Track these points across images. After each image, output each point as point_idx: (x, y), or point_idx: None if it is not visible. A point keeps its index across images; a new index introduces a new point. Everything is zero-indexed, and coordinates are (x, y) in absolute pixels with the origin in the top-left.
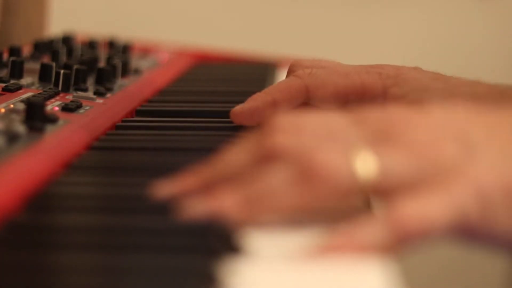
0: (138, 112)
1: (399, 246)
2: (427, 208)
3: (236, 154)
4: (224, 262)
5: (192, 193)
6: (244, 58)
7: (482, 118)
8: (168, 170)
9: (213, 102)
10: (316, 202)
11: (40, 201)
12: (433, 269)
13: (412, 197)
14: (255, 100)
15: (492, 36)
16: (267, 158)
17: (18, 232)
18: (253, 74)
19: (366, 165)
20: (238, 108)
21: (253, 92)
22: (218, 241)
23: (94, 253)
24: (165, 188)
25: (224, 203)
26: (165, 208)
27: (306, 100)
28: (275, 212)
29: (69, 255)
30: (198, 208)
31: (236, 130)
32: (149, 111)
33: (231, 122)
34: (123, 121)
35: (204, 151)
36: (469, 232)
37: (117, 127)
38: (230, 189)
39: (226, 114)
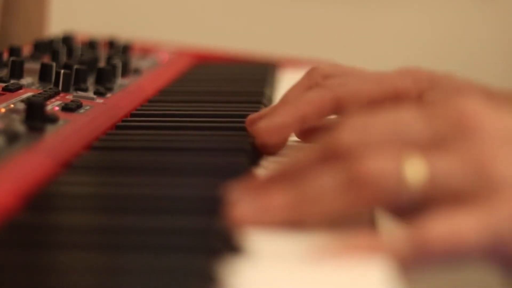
0: (133, 116)
1: (422, 261)
2: (458, 226)
3: (304, 154)
4: (224, 262)
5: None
6: (244, 58)
7: None
8: (168, 170)
9: (213, 102)
10: (362, 207)
11: (40, 201)
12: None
13: (447, 211)
14: (283, 115)
15: (492, 36)
16: (329, 157)
17: (18, 232)
18: (253, 74)
19: (416, 171)
20: (263, 125)
21: (253, 92)
22: (218, 241)
23: (94, 253)
24: (235, 191)
25: (272, 202)
26: (165, 208)
27: (337, 111)
28: (319, 215)
29: (69, 255)
30: (245, 205)
31: (236, 130)
32: (144, 114)
33: (231, 122)
34: (123, 121)
35: (204, 151)
36: (504, 257)
37: (117, 127)
38: (282, 188)
39: (226, 114)
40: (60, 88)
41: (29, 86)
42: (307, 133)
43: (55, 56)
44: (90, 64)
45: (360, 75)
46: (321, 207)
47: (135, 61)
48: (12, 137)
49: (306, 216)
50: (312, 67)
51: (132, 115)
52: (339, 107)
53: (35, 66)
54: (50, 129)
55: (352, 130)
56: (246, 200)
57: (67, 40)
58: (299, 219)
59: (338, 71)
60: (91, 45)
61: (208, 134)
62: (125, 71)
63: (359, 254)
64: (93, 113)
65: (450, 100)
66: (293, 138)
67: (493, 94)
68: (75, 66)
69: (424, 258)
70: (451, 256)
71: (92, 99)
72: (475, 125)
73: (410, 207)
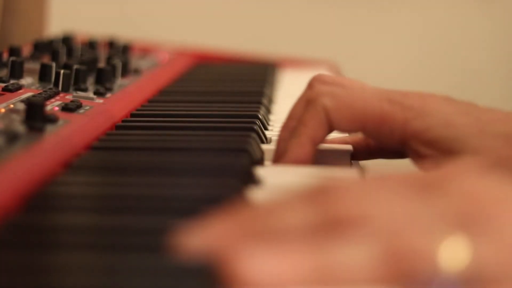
0: (133, 116)
1: None
2: None
3: (290, 211)
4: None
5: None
6: (244, 58)
7: None
8: (168, 170)
9: (213, 102)
10: (393, 284)
11: (40, 201)
12: None
13: None
14: (292, 147)
15: (492, 36)
16: (338, 223)
17: (18, 232)
18: (253, 74)
19: (457, 253)
20: (283, 162)
21: (253, 92)
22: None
23: (94, 253)
24: (192, 237)
25: (287, 265)
26: (165, 208)
27: (329, 121)
28: (345, 285)
29: (68, 255)
30: (260, 264)
31: (236, 130)
32: (144, 115)
33: (231, 122)
34: (123, 121)
35: (204, 151)
36: None
37: (117, 127)
38: (294, 250)
39: (226, 114)
40: (60, 88)
41: (29, 86)
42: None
43: (55, 56)
44: (90, 64)
45: (354, 89)
46: (347, 276)
47: (135, 61)
48: (12, 137)
49: (329, 284)
50: (314, 76)
51: (132, 115)
52: (329, 118)
53: (35, 66)
54: (50, 129)
55: (360, 199)
56: (258, 255)
57: (67, 40)
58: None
59: (337, 81)
60: (91, 45)
61: (208, 134)
62: (125, 71)
63: None
64: (93, 113)
65: (453, 185)
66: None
67: (484, 120)
68: (75, 66)
69: None
70: None
71: (92, 99)
72: (493, 203)
73: None
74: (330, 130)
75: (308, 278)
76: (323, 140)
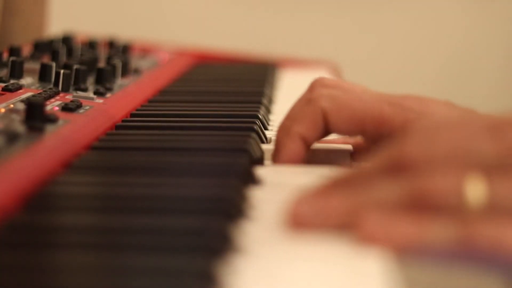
0: (132, 116)
1: (462, 257)
2: (508, 237)
3: (368, 164)
4: (224, 262)
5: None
6: (244, 58)
7: None
8: (168, 170)
9: (213, 102)
10: (418, 224)
11: (40, 201)
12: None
13: (501, 223)
14: (284, 144)
15: (495, 39)
16: (393, 168)
17: (18, 232)
18: (253, 74)
19: (477, 192)
20: (277, 160)
21: (253, 92)
22: (218, 241)
23: (94, 253)
24: (305, 204)
25: (330, 205)
26: (165, 208)
27: (326, 123)
28: (376, 224)
29: (68, 255)
30: (304, 205)
31: (236, 130)
32: (144, 115)
33: (231, 122)
34: (123, 121)
35: (204, 151)
36: None
37: (117, 127)
38: (342, 194)
39: (226, 114)
40: (60, 88)
41: (29, 86)
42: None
43: (55, 56)
44: (90, 64)
45: (354, 91)
46: (378, 216)
47: (135, 61)
48: (12, 137)
49: (361, 222)
50: (315, 79)
51: (132, 115)
52: (327, 120)
53: (35, 66)
54: (50, 129)
55: (419, 143)
56: (305, 201)
57: (67, 40)
58: (353, 225)
59: (338, 84)
60: (91, 45)
61: (208, 134)
62: (125, 71)
63: (400, 238)
64: (93, 113)
65: None
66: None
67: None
68: (75, 66)
69: (464, 254)
70: (493, 263)
71: (92, 99)
72: None
73: None
74: (327, 132)
75: (344, 218)
76: (315, 141)
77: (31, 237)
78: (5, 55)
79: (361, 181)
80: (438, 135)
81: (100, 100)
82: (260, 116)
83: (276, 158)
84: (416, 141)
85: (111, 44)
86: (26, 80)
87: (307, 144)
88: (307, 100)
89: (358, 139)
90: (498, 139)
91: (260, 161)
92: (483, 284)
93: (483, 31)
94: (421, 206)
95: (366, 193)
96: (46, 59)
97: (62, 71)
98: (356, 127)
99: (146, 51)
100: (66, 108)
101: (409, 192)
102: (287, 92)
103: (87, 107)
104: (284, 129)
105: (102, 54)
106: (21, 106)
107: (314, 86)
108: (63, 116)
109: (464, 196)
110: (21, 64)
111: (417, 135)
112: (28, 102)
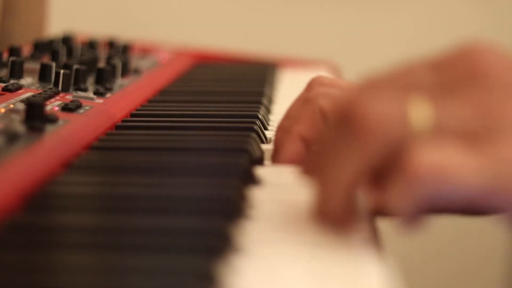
0: (132, 116)
1: (417, 196)
2: (450, 159)
3: (326, 126)
4: (224, 262)
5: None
6: (244, 58)
7: None
8: (168, 170)
9: (213, 102)
10: (369, 156)
11: (40, 201)
12: (434, 270)
13: (440, 146)
14: (284, 144)
15: (493, 36)
16: (342, 121)
17: (18, 232)
18: (253, 74)
19: (421, 114)
20: (276, 160)
21: (253, 92)
22: (218, 241)
23: (94, 253)
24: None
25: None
26: (165, 208)
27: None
28: (340, 189)
29: (68, 255)
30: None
31: (236, 130)
32: (144, 114)
33: (231, 122)
34: (123, 121)
35: (204, 151)
36: (504, 203)
37: (117, 127)
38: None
39: (226, 114)
40: (59, 88)
41: (29, 86)
42: None
43: (55, 56)
44: (90, 64)
45: (351, 88)
46: (336, 174)
47: (135, 61)
48: (12, 137)
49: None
50: (313, 78)
51: (131, 115)
52: (325, 119)
53: (35, 66)
54: (50, 129)
55: (361, 89)
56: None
57: (67, 40)
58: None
59: (335, 83)
60: (91, 45)
61: (208, 134)
62: (125, 71)
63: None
64: (93, 113)
65: (462, 49)
66: None
67: None
68: (75, 66)
69: (414, 190)
70: (443, 190)
71: (92, 99)
72: (484, 72)
73: None
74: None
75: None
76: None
77: (31, 237)
78: (5, 55)
79: (323, 146)
80: (379, 78)
81: (100, 100)
82: (260, 116)
83: (276, 158)
84: (357, 89)
85: (111, 44)
86: (26, 80)
87: (307, 144)
88: (305, 99)
89: None
90: (440, 71)
91: (260, 161)
92: (483, 286)
93: (484, 31)
94: (365, 138)
95: (324, 156)
96: (46, 59)
97: (62, 71)
98: None
99: (146, 51)
100: (66, 108)
101: (351, 130)
102: (287, 92)
103: (87, 107)
104: (283, 129)
105: (102, 54)
106: (21, 106)
107: (311, 85)
108: (63, 116)
109: (408, 119)
110: (21, 64)
111: (359, 86)
112: (28, 102)
